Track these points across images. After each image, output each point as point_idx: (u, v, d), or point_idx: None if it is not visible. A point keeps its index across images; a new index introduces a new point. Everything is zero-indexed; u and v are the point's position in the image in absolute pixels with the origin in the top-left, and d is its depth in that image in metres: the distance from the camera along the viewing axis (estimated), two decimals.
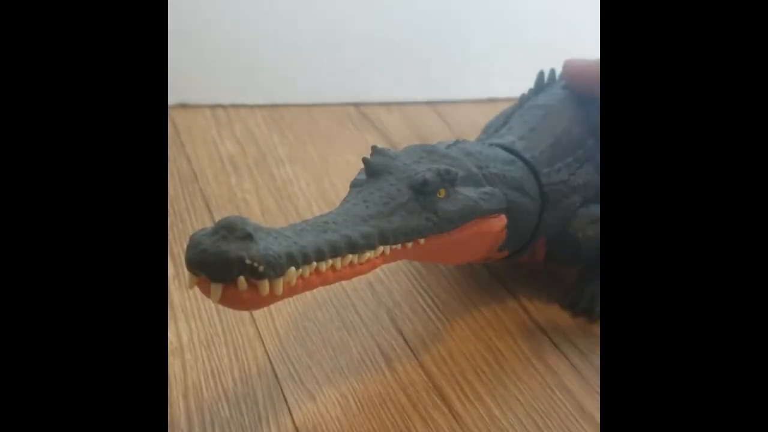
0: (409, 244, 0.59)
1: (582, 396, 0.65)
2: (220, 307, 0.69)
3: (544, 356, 0.69)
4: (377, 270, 0.76)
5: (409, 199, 0.60)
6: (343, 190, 0.90)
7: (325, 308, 0.72)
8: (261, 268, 0.49)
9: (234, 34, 1.06)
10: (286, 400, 0.62)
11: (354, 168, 0.93)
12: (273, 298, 0.51)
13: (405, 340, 0.70)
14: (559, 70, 0.85)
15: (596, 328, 0.73)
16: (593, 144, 0.77)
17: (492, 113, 0.92)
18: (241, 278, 0.49)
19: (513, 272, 0.79)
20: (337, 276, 0.55)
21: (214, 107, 1.05)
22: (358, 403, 0.63)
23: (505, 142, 0.73)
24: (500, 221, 0.66)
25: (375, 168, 0.62)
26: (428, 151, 0.65)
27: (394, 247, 0.58)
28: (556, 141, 0.75)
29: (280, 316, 0.71)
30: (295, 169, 0.93)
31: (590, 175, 0.76)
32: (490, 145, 0.72)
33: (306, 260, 0.52)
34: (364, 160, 0.62)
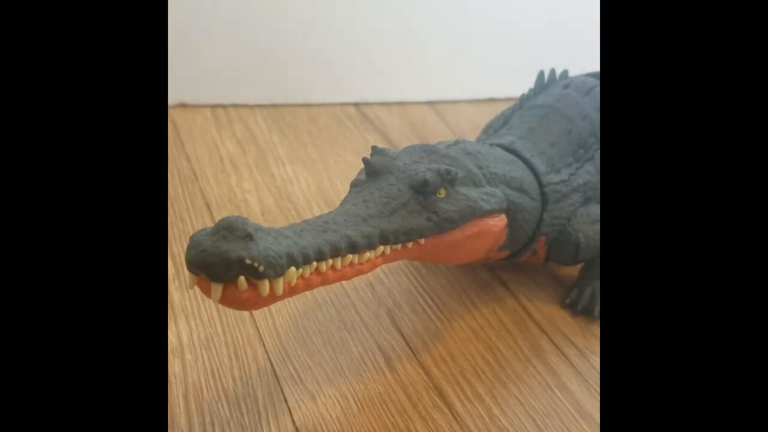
0: (410, 244, 0.60)
1: (582, 396, 0.65)
2: (220, 307, 0.69)
3: (544, 356, 0.69)
4: (377, 270, 0.76)
5: (409, 199, 0.60)
6: (343, 190, 0.90)
7: (325, 308, 0.72)
8: (261, 268, 0.49)
9: (234, 34, 1.06)
10: (286, 400, 0.62)
11: (354, 168, 0.94)
12: (273, 298, 0.51)
13: (405, 340, 0.70)
14: (559, 70, 0.85)
15: (596, 328, 0.73)
16: (593, 144, 0.77)
17: (492, 113, 0.92)
18: (242, 278, 0.49)
19: (513, 272, 0.79)
20: (338, 276, 0.55)
21: (214, 107, 1.05)
22: (358, 403, 0.63)
23: (505, 142, 0.73)
24: (500, 221, 0.66)
25: (375, 168, 0.62)
26: (428, 151, 0.65)
27: (394, 246, 0.58)
28: (556, 141, 0.75)
29: (280, 316, 0.71)
30: (295, 168, 0.93)
31: (590, 174, 0.76)
32: (490, 145, 0.72)
33: (306, 260, 0.52)
34: (364, 160, 0.62)
